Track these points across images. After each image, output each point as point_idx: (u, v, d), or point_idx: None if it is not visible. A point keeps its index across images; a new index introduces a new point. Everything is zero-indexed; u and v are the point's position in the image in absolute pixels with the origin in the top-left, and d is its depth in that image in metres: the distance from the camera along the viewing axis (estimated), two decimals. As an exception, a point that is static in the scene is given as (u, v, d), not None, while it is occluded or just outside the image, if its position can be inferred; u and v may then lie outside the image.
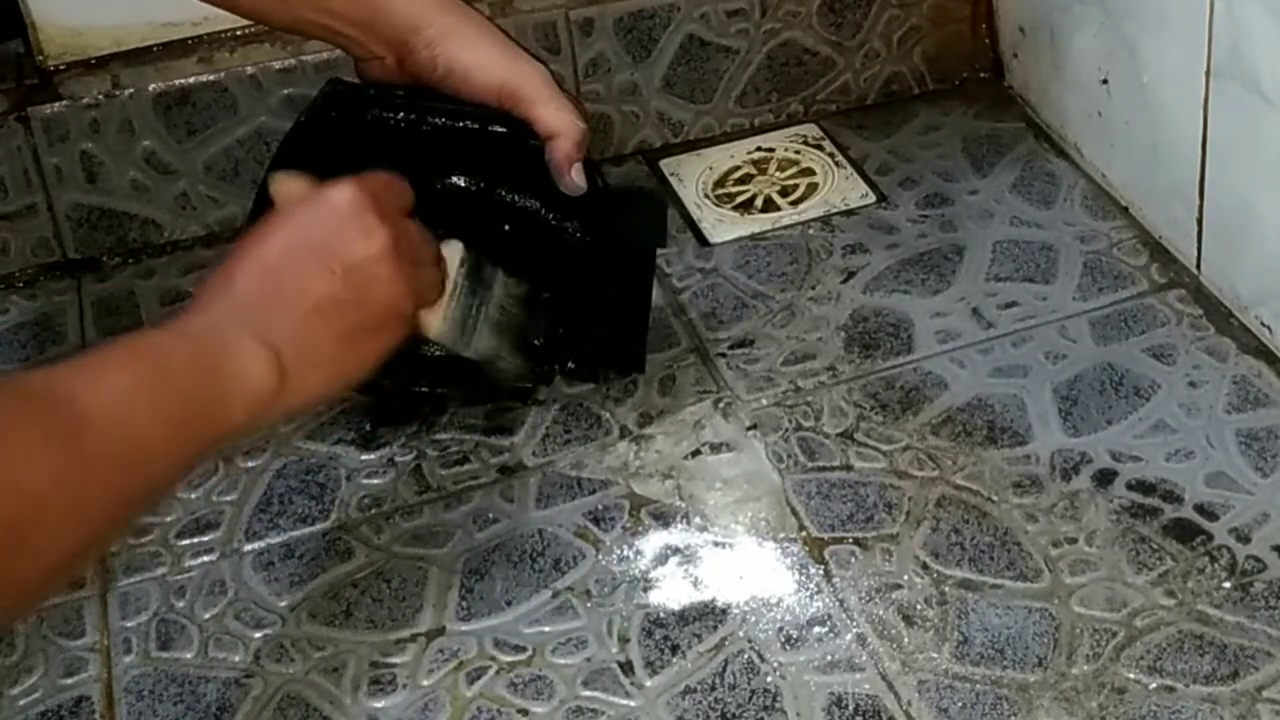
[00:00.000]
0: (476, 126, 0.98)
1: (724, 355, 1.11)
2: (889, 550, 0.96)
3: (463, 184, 0.98)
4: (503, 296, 0.96)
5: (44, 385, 0.68)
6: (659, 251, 1.14)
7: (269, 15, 1.03)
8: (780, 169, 1.30)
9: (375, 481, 1.04)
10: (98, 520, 0.68)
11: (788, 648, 0.91)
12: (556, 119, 0.97)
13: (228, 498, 1.04)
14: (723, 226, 1.24)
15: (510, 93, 0.97)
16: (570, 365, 1.05)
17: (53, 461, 0.65)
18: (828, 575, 0.95)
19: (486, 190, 0.98)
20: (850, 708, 0.87)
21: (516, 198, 0.99)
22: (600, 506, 1.01)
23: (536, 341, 0.99)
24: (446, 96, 0.99)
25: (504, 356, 0.96)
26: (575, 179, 0.98)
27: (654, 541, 0.98)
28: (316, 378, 0.80)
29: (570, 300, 1.01)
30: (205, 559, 1.00)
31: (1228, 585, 0.91)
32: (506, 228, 0.99)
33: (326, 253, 0.81)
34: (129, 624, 0.96)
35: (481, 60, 0.98)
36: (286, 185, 0.86)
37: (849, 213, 1.24)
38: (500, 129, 0.98)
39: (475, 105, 0.99)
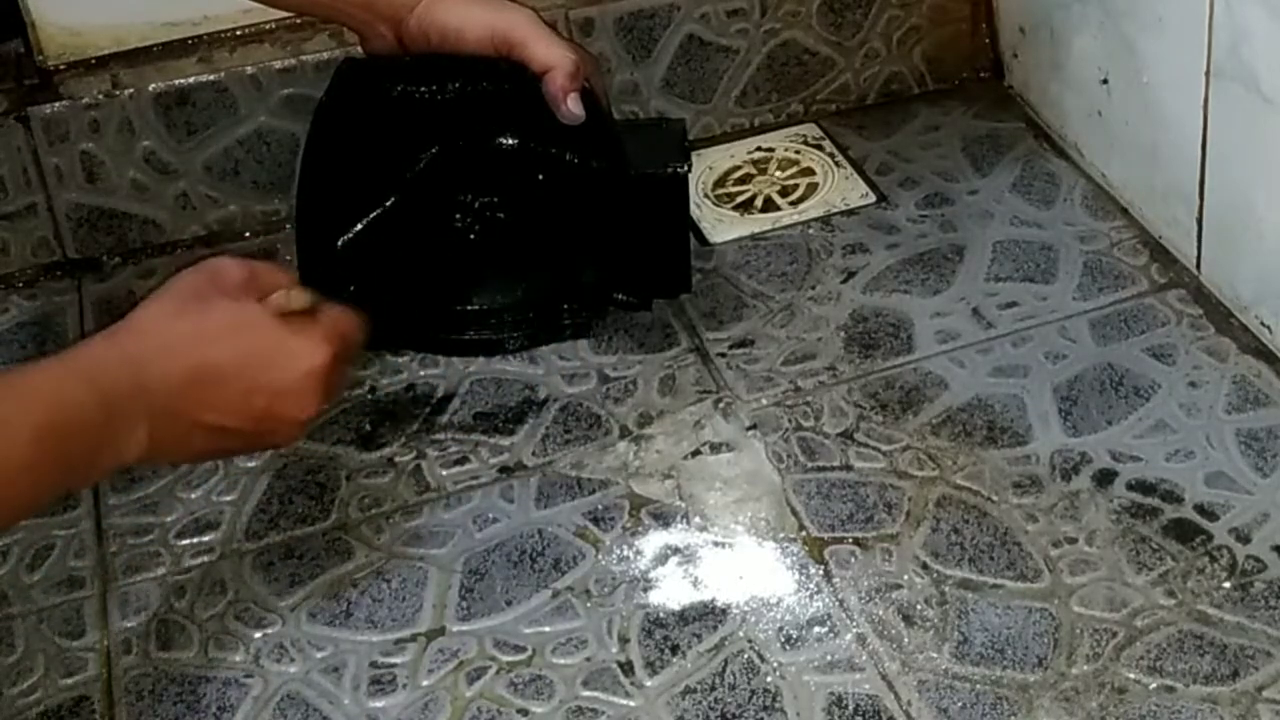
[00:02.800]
0: (491, 87, 1.03)
1: (724, 355, 1.11)
2: (889, 550, 0.96)
3: (506, 143, 1.04)
4: None
5: None
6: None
7: None
8: (780, 169, 1.30)
9: (375, 481, 1.04)
10: None
11: (788, 648, 0.91)
12: (547, 54, 1.01)
13: (228, 498, 1.04)
14: (722, 226, 1.24)
15: (501, 40, 1.01)
16: (620, 296, 1.09)
17: None
18: (828, 575, 0.95)
19: (519, 146, 1.04)
20: (850, 708, 0.87)
21: (540, 146, 1.04)
22: (600, 506, 1.01)
23: (587, 280, 1.05)
24: (452, 57, 1.03)
25: None
26: (572, 108, 1.01)
27: (654, 541, 0.98)
28: (168, 462, 0.94)
29: (608, 234, 1.06)
30: (205, 559, 1.00)
31: (1228, 585, 0.91)
32: (540, 177, 1.04)
33: (263, 398, 0.85)
34: (129, 624, 0.96)
35: (467, 18, 1.02)
36: (291, 299, 0.89)
37: (849, 212, 1.24)
38: (510, 84, 1.03)
39: (482, 60, 1.03)
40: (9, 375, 0.78)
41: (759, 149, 1.32)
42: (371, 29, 1.05)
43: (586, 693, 0.89)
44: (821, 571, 0.95)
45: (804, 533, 0.97)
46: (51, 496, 0.78)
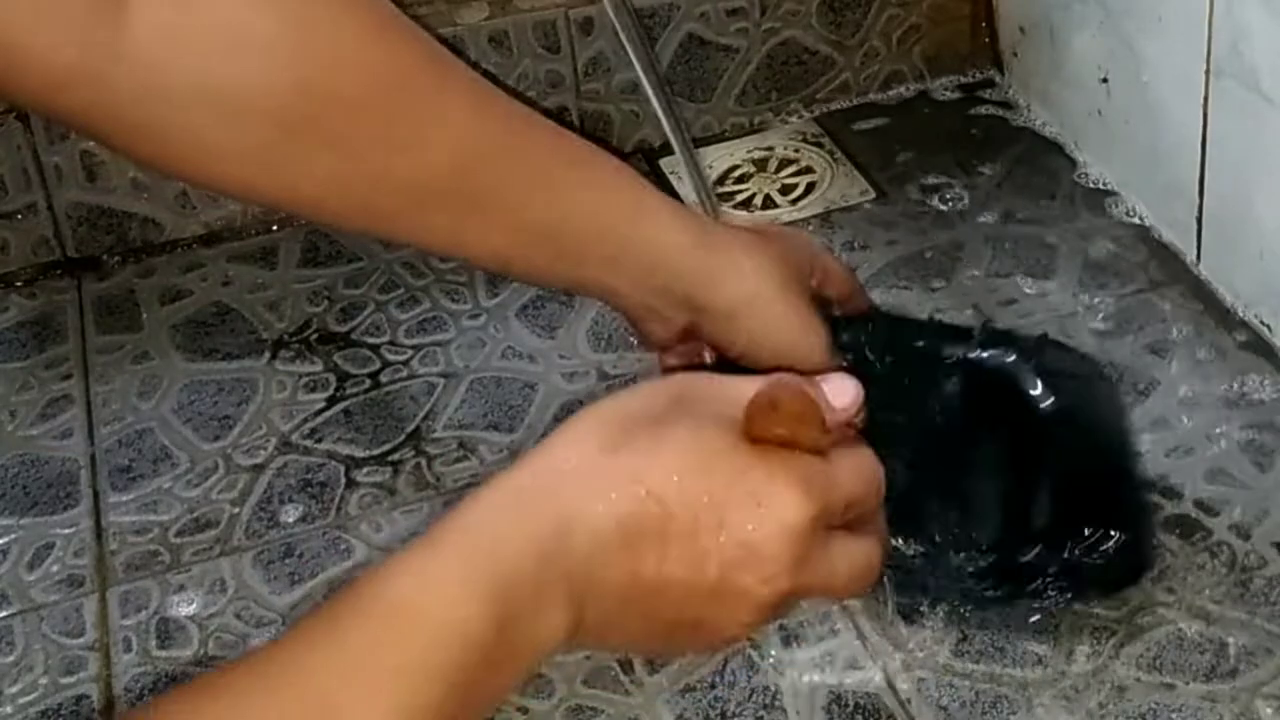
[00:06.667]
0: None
1: (724, 353, 1.11)
2: (889, 548, 0.95)
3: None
4: None
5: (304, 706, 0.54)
6: None
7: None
8: (780, 167, 1.30)
9: (375, 479, 1.04)
10: None
11: (787, 645, 0.90)
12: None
13: (228, 496, 1.04)
14: (722, 225, 1.24)
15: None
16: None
17: None
18: (827, 573, 0.94)
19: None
20: (850, 705, 0.87)
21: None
22: (600, 505, 1.00)
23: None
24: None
25: None
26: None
27: (654, 539, 0.98)
28: (590, 648, 0.67)
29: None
30: (205, 558, 1.00)
31: (1228, 582, 0.91)
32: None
33: (715, 561, 0.59)
34: (128, 622, 0.96)
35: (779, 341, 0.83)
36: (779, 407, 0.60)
37: (848, 210, 1.24)
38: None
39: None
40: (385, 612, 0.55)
41: (758, 147, 1.33)
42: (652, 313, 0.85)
43: (586, 691, 0.89)
44: (821, 569, 0.95)
45: (804, 531, 0.97)
46: None
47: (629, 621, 0.60)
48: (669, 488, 0.58)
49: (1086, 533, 0.87)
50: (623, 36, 0.89)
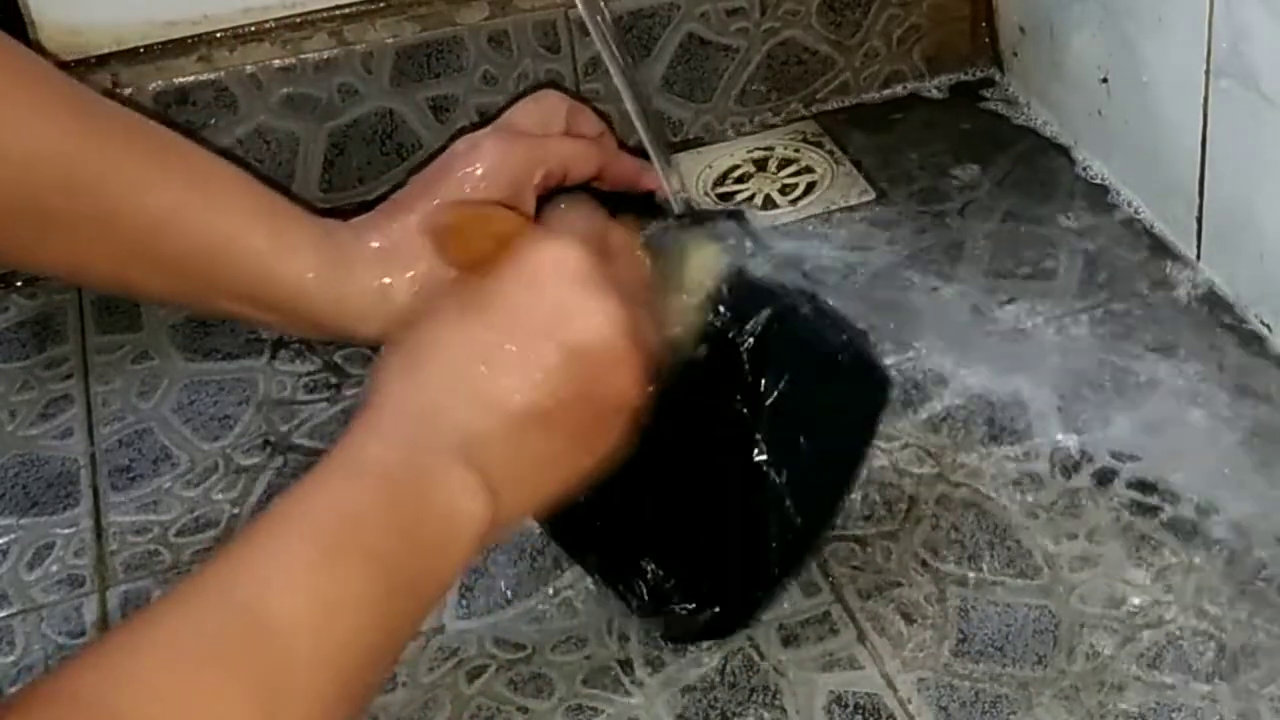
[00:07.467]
0: None
1: (724, 353, 1.11)
2: (889, 548, 0.96)
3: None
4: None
5: (228, 615, 0.57)
6: None
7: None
8: (780, 167, 1.30)
9: (375, 480, 1.04)
10: None
11: (787, 646, 0.91)
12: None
13: (228, 496, 1.04)
14: (722, 225, 1.24)
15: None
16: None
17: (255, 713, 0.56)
18: (827, 573, 0.95)
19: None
20: (850, 705, 0.87)
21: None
22: (600, 504, 1.00)
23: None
24: None
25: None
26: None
27: (654, 539, 0.98)
28: (525, 497, 0.68)
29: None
30: (205, 558, 1.00)
31: (1228, 582, 0.91)
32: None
33: (538, 336, 0.67)
34: (129, 622, 0.96)
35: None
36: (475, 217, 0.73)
37: (848, 210, 1.24)
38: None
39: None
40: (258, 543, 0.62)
41: (759, 148, 1.33)
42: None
43: (586, 690, 0.89)
44: (820, 569, 0.95)
45: (804, 531, 0.97)
46: (401, 618, 0.63)
47: (524, 442, 0.67)
48: (472, 324, 0.67)
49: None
50: (592, 27, 0.89)
